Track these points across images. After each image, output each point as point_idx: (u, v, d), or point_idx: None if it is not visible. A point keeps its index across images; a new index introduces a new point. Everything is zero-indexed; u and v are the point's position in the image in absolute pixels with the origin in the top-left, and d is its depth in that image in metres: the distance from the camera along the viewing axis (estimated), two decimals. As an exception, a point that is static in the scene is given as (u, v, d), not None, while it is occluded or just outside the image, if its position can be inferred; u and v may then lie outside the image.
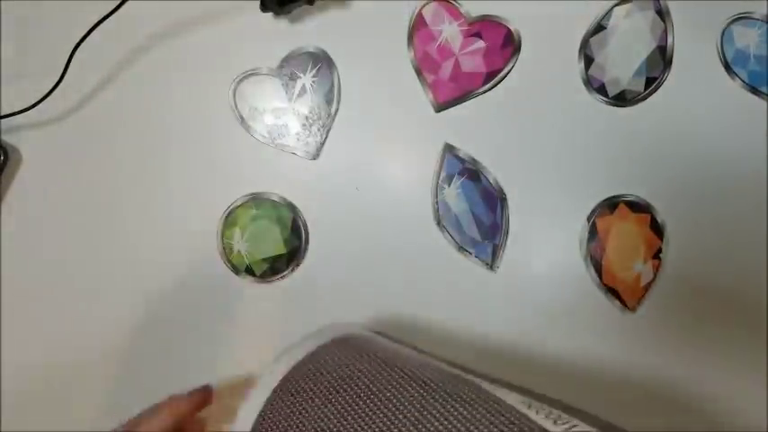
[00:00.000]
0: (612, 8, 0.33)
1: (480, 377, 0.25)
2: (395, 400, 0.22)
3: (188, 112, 0.34)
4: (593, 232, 0.33)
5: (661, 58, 0.33)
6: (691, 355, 0.32)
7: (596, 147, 0.33)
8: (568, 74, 0.33)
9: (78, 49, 0.31)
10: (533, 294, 0.33)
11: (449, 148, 0.33)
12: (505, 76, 0.33)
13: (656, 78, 0.33)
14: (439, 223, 0.33)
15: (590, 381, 0.32)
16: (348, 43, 0.34)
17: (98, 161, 0.34)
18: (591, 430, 0.19)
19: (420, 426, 0.20)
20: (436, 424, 0.20)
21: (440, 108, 0.33)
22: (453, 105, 0.33)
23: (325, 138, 0.34)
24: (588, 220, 0.33)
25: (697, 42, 0.33)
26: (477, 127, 0.33)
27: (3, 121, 0.33)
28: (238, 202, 0.34)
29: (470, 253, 0.33)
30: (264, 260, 0.33)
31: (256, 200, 0.34)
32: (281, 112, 0.34)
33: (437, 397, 0.21)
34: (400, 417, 0.21)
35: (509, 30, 0.33)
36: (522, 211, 0.33)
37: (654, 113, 0.33)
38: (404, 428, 0.21)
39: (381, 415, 0.21)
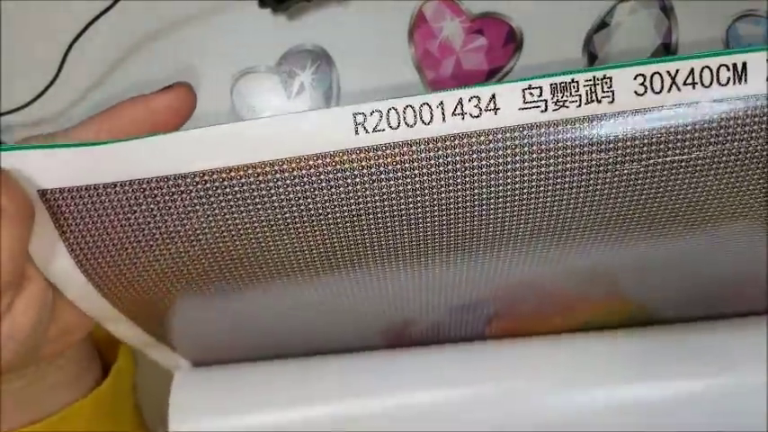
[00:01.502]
0: (616, 5, 0.32)
1: None
2: None
3: (185, 110, 0.34)
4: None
5: (665, 56, 0.32)
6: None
7: (600, 146, 0.32)
8: (571, 72, 0.33)
9: (73, 47, 0.31)
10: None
11: (450, 147, 0.33)
12: (507, 74, 0.33)
13: (660, 76, 0.32)
14: (440, 223, 0.33)
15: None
16: (347, 40, 0.33)
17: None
18: None
19: None
20: None
21: (441, 106, 0.33)
22: (454, 104, 0.33)
23: (325, 136, 0.33)
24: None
25: (702, 40, 0.32)
26: (479, 126, 0.33)
27: (-3, 119, 0.32)
28: (236, 202, 0.33)
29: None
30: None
31: (254, 200, 0.33)
32: (280, 111, 0.33)
33: None
34: None
35: (511, 27, 0.33)
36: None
37: (658, 112, 0.32)
38: None
39: None
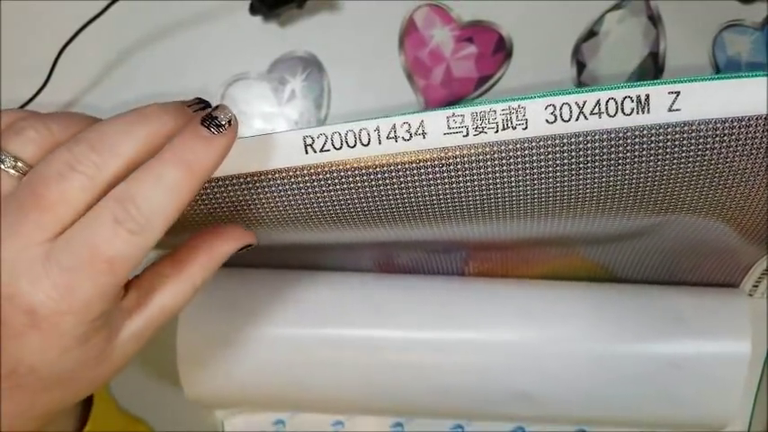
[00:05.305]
0: (605, 14, 0.33)
1: None
2: None
3: (176, 116, 0.34)
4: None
5: (653, 65, 0.33)
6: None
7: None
8: (560, 80, 0.33)
9: (67, 50, 0.31)
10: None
11: (440, 154, 0.33)
12: (497, 82, 0.33)
13: (648, 85, 0.33)
14: (430, 230, 0.33)
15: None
16: (338, 48, 0.33)
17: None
18: None
19: None
20: None
21: (431, 113, 0.33)
22: (444, 111, 0.33)
23: (315, 143, 0.33)
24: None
25: (689, 49, 0.33)
26: (469, 132, 0.33)
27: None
28: (226, 208, 0.33)
29: (461, 260, 0.33)
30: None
31: (245, 205, 0.33)
32: (271, 117, 0.34)
33: None
34: None
35: (501, 35, 0.33)
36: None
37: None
38: None
39: None
